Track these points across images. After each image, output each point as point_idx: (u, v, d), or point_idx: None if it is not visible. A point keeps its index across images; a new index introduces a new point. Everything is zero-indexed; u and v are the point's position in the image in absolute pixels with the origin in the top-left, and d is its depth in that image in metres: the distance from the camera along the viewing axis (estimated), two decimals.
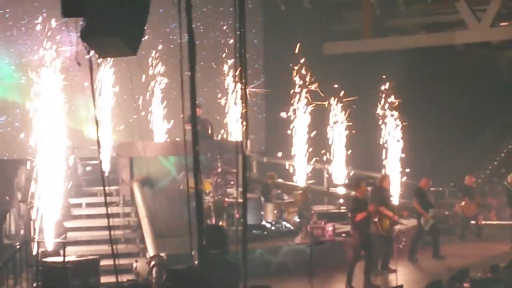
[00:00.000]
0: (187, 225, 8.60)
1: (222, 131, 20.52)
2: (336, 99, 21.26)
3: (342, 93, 21.20)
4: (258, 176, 20.54)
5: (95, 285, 13.55)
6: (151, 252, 14.62)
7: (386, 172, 20.09)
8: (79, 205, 17.76)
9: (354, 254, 14.78)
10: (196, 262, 9.44)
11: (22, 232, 16.40)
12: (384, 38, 27.05)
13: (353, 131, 21.57)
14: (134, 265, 14.54)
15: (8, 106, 19.33)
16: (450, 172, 24.31)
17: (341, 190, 21.16)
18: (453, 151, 26.74)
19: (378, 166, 20.89)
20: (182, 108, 7.57)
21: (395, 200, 19.81)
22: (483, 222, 21.19)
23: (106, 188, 9.04)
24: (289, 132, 21.12)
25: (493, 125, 29.31)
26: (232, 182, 17.52)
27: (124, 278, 12.26)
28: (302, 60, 21.05)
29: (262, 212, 17.61)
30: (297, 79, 21.17)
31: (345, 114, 21.49)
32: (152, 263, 13.96)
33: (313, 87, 20.90)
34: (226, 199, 16.96)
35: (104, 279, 13.65)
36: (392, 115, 21.05)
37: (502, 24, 25.88)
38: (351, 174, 21.77)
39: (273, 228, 17.71)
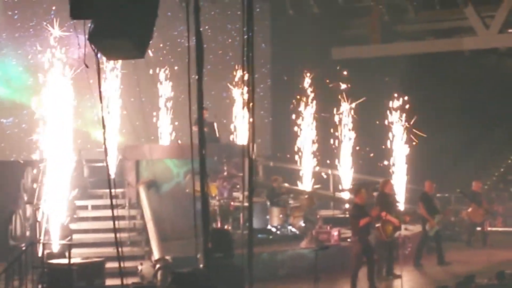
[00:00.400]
0: (192, 228, 8.59)
1: (231, 137, 20.51)
2: (343, 102, 21.30)
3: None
4: (264, 180, 20.54)
5: None
6: (156, 255, 14.62)
7: (391, 177, 20.06)
8: (85, 207, 17.77)
9: (356, 261, 14.78)
10: (201, 265, 9.43)
11: (28, 233, 16.42)
12: (392, 43, 27.05)
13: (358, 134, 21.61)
14: (140, 267, 14.55)
15: (16, 107, 19.36)
16: (457, 178, 24.27)
17: (347, 195, 21.15)
18: (459, 157, 26.70)
19: (384, 171, 20.86)
20: (189, 111, 7.56)
21: (401, 205, 19.79)
22: (489, 228, 21.13)
23: (112, 190, 9.04)
24: (295, 135, 21.15)
25: (500, 131, 29.24)
26: (238, 186, 17.53)
27: (129, 280, 12.28)
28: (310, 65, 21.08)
29: (267, 216, 17.61)
30: (305, 84, 21.21)
31: (352, 118, 21.50)
32: (157, 266, 13.96)
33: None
34: (232, 203, 16.96)
35: (109, 282, 13.66)
36: (400, 119, 21.03)
37: (510, 30, 25.84)
38: (355, 179, 21.75)
39: (278, 232, 17.71)
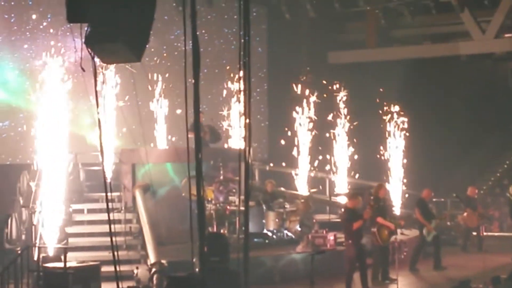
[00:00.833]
0: (188, 232, 8.57)
1: (228, 140, 20.54)
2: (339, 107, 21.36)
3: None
4: (260, 184, 20.54)
5: None
6: (152, 259, 14.60)
7: (387, 182, 20.10)
8: (81, 211, 17.76)
9: (350, 265, 14.81)
10: (197, 269, 9.41)
11: (23, 237, 16.39)
12: (389, 48, 27.10)
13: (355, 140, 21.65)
14: (135, 271, 14.52)
15: (12, 111, 19.32)
16: (453, 182, 24.30)
17: (343, 200, 21.15)
18: (455, 161, 26.74)
19: (380, 176, 20.89)
20: (185, 115, 7.55)
21: (396, 210, 19.82)
22: (485, 233, 21.15)
23: (108, 194, 9.03)
24: (292, 139, 21.17)
25: (496, 136, 29.31)
26: (234, 190, 17.52)
27: (125, 284, 12.23)
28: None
29: (263, 221, 17.60)
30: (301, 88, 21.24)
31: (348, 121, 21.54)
32: (153, 270, 13.94)
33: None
34: (228, 207, 16.96)
35: (104, 286, 13.63)
36: (396, 125, 21.07)
37: (506, 35, 25.90)
38: (352, 183, 21.77)
39: (274, 236, 17.70)
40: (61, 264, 13.47)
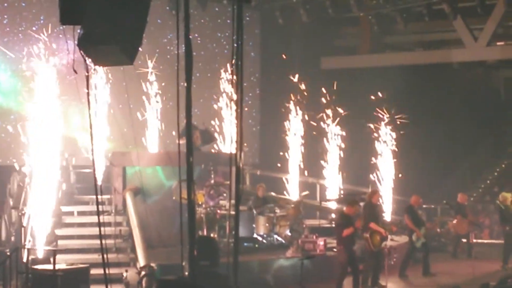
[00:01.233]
0: (178, 236, 8.57)
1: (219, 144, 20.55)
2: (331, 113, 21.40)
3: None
4: (251, 188, 20.55)
5: None
6: (141, 262, 14.58)
7: (378, 188, 20.12)
8: (71, 213, 17.71)
9: (342, 271, 14.82)
10: (186, 273, 9.41)
11: (13, 238, 16.33)
12: (381, 54, 27.16)
13: (345, 145, 21.68)
14: (124, 274, 14.48)
15: (3, 112, 19.28)
16: (443, 189, 24.34)
17: (333, 205, 21.18)
18: (446, 168, 26.80)
19: (371, 182, 20.92)
20: (177, 119, 7.56)
21: (387, 216, 19.85)
22: (474, 240, 21.18)
23: (99, 196, 9.01)
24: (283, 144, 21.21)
25: (487, 144, 29.39)
26: (225, 194, 17.52)
27: (114, 287, 12.23)
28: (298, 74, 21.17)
29: (253, 225, 17.60)
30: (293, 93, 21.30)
31: (340, 128, 21.59)
32: (143, 273, 13.93)
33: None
34: (218, 211, 16.95)
35: None
36: (386, 133, 21.14)
37: (498, 43, 25.98)
38: (343, 189, 21.80)
39: (264, 241, 17.69)
40: (50, 267, 13.45)
